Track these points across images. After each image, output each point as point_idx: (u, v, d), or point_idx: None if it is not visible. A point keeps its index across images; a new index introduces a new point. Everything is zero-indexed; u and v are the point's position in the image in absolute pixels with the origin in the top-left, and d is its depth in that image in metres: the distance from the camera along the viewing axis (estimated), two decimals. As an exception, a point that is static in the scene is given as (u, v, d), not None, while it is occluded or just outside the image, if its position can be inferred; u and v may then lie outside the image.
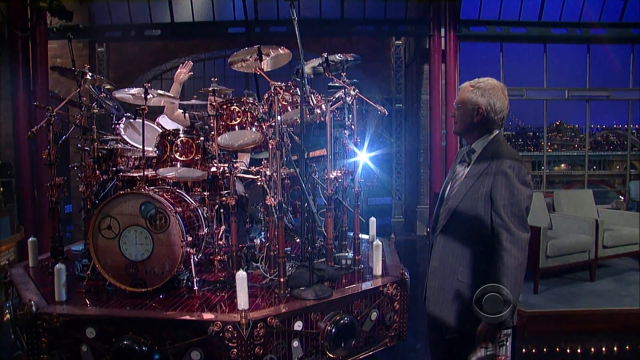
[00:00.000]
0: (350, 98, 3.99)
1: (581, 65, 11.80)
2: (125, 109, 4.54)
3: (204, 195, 3.71)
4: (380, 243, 3.58)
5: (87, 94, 4.43)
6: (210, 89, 3.43)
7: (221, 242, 3.80)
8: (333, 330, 2.98)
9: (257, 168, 3.58)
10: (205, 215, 3.67)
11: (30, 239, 3.93)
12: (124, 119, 4.34)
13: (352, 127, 4.05)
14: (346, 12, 10.87)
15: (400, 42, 12.38)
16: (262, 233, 4.10)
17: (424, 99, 10.94)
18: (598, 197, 7.90)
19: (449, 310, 2.07)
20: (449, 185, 2.19)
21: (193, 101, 4.99)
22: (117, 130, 4.25)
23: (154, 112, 5.02)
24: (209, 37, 11.59)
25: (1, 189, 7.72)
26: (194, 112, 5.18)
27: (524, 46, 12.06)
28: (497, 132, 2.11)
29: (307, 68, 4.08)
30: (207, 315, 2.76)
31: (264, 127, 3.38)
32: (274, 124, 3.19)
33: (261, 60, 3.45)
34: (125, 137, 4.25)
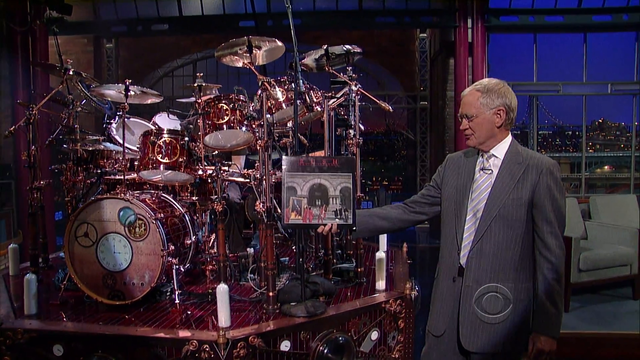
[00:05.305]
0: (353, 94, 3.85)
1: (627, 55, 11.32)
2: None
3: (194, 200, 3.63)
4: (384, 255, 3.42)
5: (76, 92, 4.41)
6: (196, 84, 3.35)
7: (213, 251, 3.71)
8: (325, 351, 2.84)
9: (248, 171, 3.48)
10: (194, 222, 3.58)
11: (11, 245, 3.90)
12: (117, 117, 4.30)
13: (358, 126, 3.91)
14: (365, 3, 10.70)
15: (425, 35, 12.16)
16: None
17: (450, 95, 10.68)
18: (644, 203, 7.48)
19: (493, 332, 2.01)
20: (469, 197, 2.10)
21: (192, 99, 4.95)
22: (108, 129, 4.21)
23: (156, 110, 4.97)
24: (219, 32, 11.58)
25: (-2, 192, 7.85)
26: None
27: (561, 36, 11.66)
28: (510, 133, 2.15)
29: (309, 61, 3.97)
30: (183, 333, 2.65)
31: (254, 126, 3.27)
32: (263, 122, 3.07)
33: (251, 52, 3.34)
34: (116, 137, 4.20)
